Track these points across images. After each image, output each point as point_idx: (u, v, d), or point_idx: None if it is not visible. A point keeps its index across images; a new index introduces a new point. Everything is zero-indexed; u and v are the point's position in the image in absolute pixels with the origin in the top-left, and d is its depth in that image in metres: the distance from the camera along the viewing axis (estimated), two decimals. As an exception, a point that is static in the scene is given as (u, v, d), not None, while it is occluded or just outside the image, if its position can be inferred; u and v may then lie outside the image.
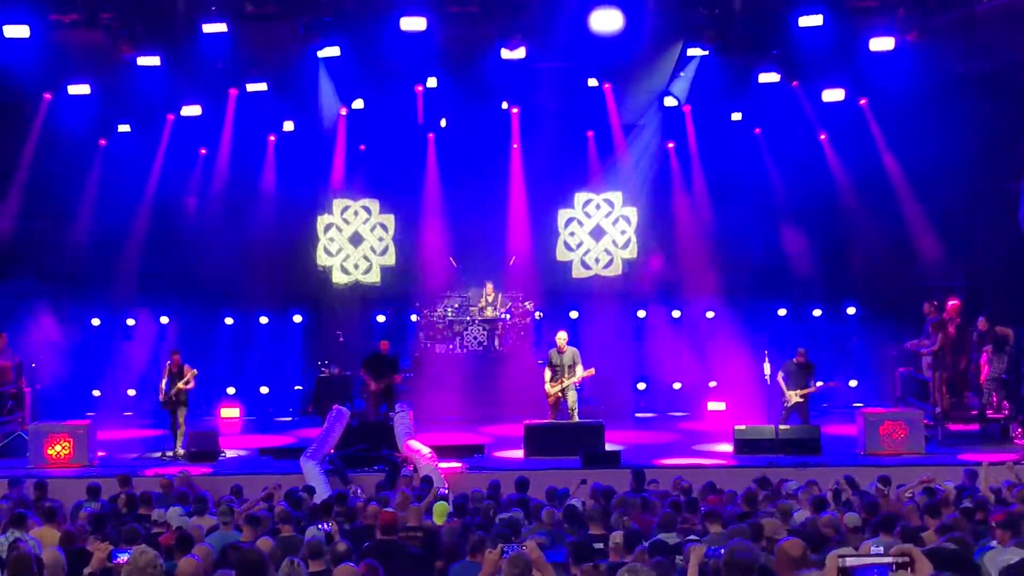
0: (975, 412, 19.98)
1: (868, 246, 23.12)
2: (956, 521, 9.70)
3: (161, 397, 19.16)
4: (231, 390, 23.74)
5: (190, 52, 19.96)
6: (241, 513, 11.34)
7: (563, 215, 24.55)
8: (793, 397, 18.86)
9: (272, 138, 23.50)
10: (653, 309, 23.97)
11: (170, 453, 18.86)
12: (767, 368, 19.31)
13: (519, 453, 18.44)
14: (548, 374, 19.41)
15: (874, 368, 23.09)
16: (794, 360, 19.15)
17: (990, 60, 20.52)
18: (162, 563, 6.78)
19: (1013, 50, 20.18)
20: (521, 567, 7.07)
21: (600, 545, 9.41)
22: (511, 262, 24.05)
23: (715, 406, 22.98)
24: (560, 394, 19.28)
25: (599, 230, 24.51)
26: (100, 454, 18.57)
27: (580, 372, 19.15)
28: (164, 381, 19.17)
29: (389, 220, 24.64)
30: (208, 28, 19.22)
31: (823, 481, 13.75)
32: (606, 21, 18.81)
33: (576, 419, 19.29)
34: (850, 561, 4.94)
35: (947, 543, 7.23)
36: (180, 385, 19.03)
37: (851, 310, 23.67)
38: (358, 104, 21.65)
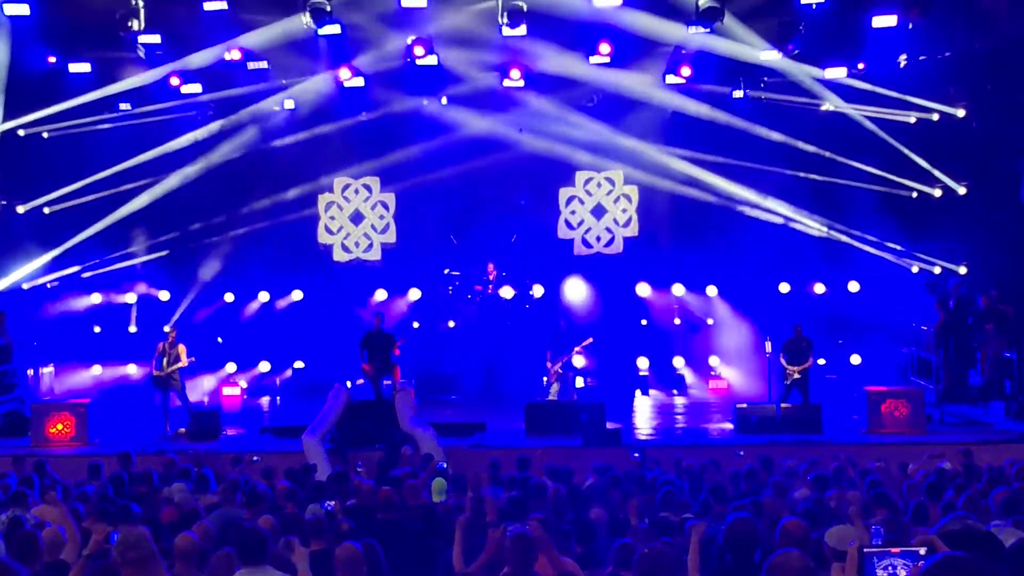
0: (977, 390, 19.97)
1: (871, 222, 23.05)
2: (961, 501, 9.67)
3: (155, 374, 19.16)
4: (231, 367, 23.74)
5: (191, 30, 19.86)
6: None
7: (564, 193, 24.50)
8: (793, 373, 18.92)
9: (274, 114, 23.41)
10: (655, 286, 23.94)
11: (172, 432, 18.86)
12: (768, 346, 19.38)
13: (520, 431, 18.46)
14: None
15: (877, 346, 23.08)
16: (791, 337, 19.25)
17: (992, 37, 20.42)
18: (149, 539, 6.73)
19: (1014, 27, 20.06)
20: (524, 546, 7.04)
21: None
22: (512, 240, 24.02)
23: (716, 384, 23.00)
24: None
25: (600, 208, 24.47)
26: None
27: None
28: (157, 359, 19.16)
29: (390, 198, 24.60)
30: (209, 6, 19.14)
31: (824, 459, 13.77)
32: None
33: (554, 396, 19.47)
34: (869, 551, 4.95)
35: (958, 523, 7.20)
36: (177, 365, 19.04)
37: (854, 286, 23.65)
38: (358, 82, 21.54)
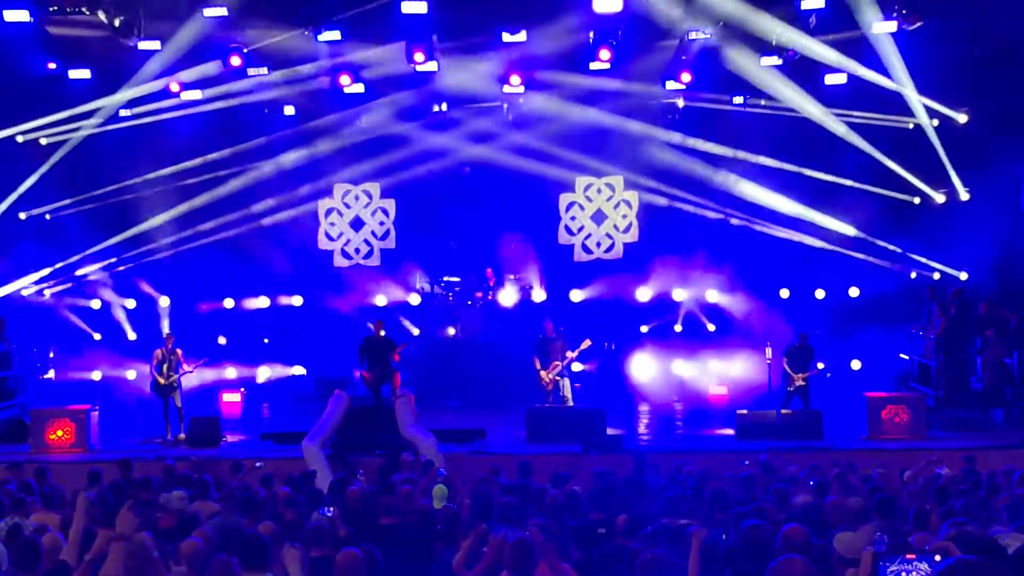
0: (977, 396, 19.94)
1: (872, 228, 23.04)
2: (963, 507, 9.66)
3: (161, 382, 19.12)
4: (231, 373, 23.71)
5: (191, 36, 19.87)
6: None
7: (564, 199, 24.51)
8: (797, 380, 18.92)
9: (273, 119, 23.40)
10: (655, 292, 23.93)
11: (172, 438, 18.84)
12: (769, 352, 19.36)
13: (521, 438, 18.42)
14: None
15: (877, 351, 23.06)
16: (796, 344, 19.24)
17: (992, 43, 20.41)
18: (148, 546, 6.72)
19: (1015, 32, 20.06)
20: (524, 552, 7.03)
21: (603, 530, 9.39)
22: (512, 246, 24.00)
23: (717, 390, 22.96)
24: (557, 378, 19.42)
25: (600, 214, 24.48)
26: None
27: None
28: (156, 366, 19.13)
29: (390, 204, 24.62)
30: (209, 12, 19.14)
31: (825, 465, 13.74)
32: (608, 2, 18.68)
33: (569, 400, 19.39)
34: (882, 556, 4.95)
35: (958, 529, 7.21)
36: (182, 373, 19.06)
37: (854, 292, 23.65)
38: (358, 88, 21.54)
